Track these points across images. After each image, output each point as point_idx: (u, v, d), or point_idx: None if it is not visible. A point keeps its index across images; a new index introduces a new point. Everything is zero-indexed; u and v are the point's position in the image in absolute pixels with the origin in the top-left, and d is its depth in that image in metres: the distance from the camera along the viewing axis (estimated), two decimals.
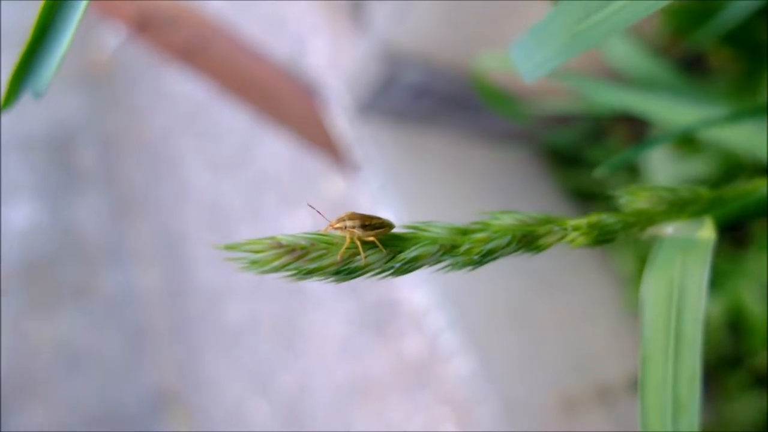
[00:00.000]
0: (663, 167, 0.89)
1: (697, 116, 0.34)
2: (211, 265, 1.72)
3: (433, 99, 0.99)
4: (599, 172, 0.31)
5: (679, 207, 0.22)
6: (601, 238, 0.22)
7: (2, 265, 1.81)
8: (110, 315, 1.89)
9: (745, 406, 0.92)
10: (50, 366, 1.73)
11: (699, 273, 0.22)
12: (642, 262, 1.01)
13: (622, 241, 1.04)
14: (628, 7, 0.22)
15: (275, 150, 1.50)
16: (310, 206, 0.22)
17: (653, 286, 0.23)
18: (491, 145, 1.07)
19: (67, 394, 1.70)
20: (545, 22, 0.23)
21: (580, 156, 1.08)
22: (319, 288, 1.39)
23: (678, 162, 0.86)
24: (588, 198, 1.10)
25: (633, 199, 0.23)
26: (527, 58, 0.24)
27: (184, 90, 1.82)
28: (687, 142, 0.87)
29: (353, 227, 0.20)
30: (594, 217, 0.22)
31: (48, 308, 1.82)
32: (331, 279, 0.20)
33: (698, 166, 0.84)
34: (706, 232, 0.22)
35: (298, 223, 1.46)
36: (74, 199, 2.05)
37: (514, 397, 0.81)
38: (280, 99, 1.01)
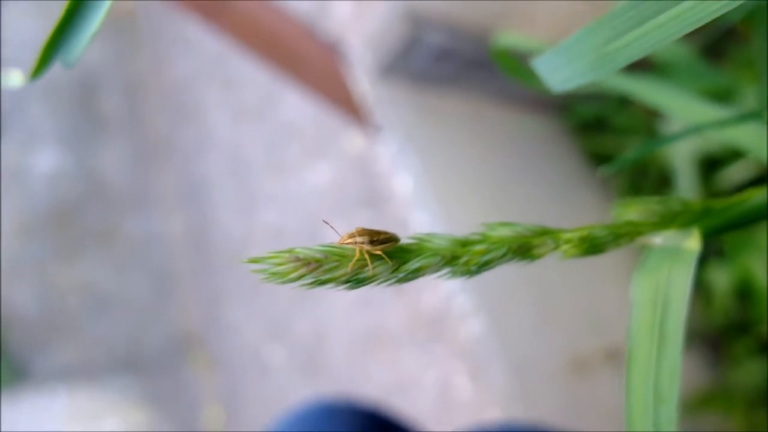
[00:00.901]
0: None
1: (706, 112, 0.35)
2: (234, 213, 1.75)
3: (455, 62, 1.00)
4: (603, 171, 0.33)
5: (669, 219, 0.24)
6: (592, 250, 0.24)
7: (28, 210, 1.86)
8: (135, 260, 1.93)
9: (750, 372, 0.94)
10: (77, 308, 1.79)
11: (683, 280, 0.24)
12: None
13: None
14: (659, 29, 0.23)
15: (298, 101, 1.51)
16: (325, 222, 0.24)
17: (641, 288, 0.25)
18: (512, 109, 1.07)
19: (94, 336, 1.77)
20: (574, 40, 0.24)
21: (603, 121, 1.08)
22: None
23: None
24: (606, 160, 1.11)
25: (624, 212, 0.24)
26: (553, 72, 0.25)
27: (208, 36, 1.82)
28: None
29: (362, 242, 0.23)
30: (585, 231, 0.24)
31: (74, 252, 1.87)
32: (342, 287, 0.23)
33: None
34: (693, 243, 0.24)
35: (319, 176, 1.48)
36: (98, 145, 2.08)
37: (525, 357, 0.84)
38: (303, 57, 1.02)
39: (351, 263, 0.23)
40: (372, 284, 0.23)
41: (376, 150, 1.26)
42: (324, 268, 0.22)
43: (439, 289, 1.10)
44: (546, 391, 0.83)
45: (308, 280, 0.22)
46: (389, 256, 0.23)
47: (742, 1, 0.24)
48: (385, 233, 0.23)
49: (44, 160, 1.99)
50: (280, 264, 0.21)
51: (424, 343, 1.20)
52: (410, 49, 0.96)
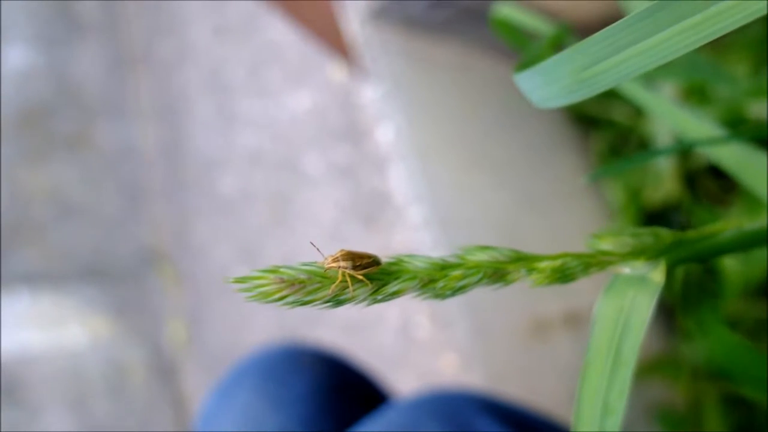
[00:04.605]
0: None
1: (697, 127, 0.35)
2: (210, 131, 1.73)
3: (451, 8, 0.98)
4: (586, 180, 0.33)
5: (640, 250, 0.25)
6: (562, 279, 0.25)
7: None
8: (104, 169, 1.91)
9: (702, 346, 0.98)
10: (44, 214, 1.77)
11: (644, 309, 0.25)
12: (632, 193, 1.04)
13: (613, 172, 1.06)
14: (638, 57, 0.23)
15: (283, 25, 1.48)
16: (312, 244, 0.25)
17: (605, 308, 0.26)
18: (502, 62, 1.06)
19: (59, 243, 1.76)
20: (552, 63, 0.25)
21: None
22: (316, 170, 1.42)
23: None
24: (589, 123, 1.11)
25: (597, 242, 0.25)
26: (534, 90, 0.25)
27: None
28: (696, 92, 0.87)
29: (345, 267, 0.23)
30: (559, 261, 0.25)
31: (41, 156, 1.84)
32: (323, 306, 0.24)
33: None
34: (658, 275, 0.25)
35: (300, 103, 1.47)
36: (73, 48, 2.01)
37: (487, 316, 0.86)
38: None
39: (333, 286, 0.23)
40: (351, 304, 0.24)
41: (359, 88, 1.25)
42: (307, 290, 0.23)
43: (409, 234, 1.12)
44: (504, 349, 0.86)
45: (291, 299, 0.23)
46: (369, 278, 0.24)
47: (722, 33, 0.24)
48: (368, 256, 0.24)
49: (14, 57, 1.92)
50: (264, 285, 0.22)
51: None
52: None
